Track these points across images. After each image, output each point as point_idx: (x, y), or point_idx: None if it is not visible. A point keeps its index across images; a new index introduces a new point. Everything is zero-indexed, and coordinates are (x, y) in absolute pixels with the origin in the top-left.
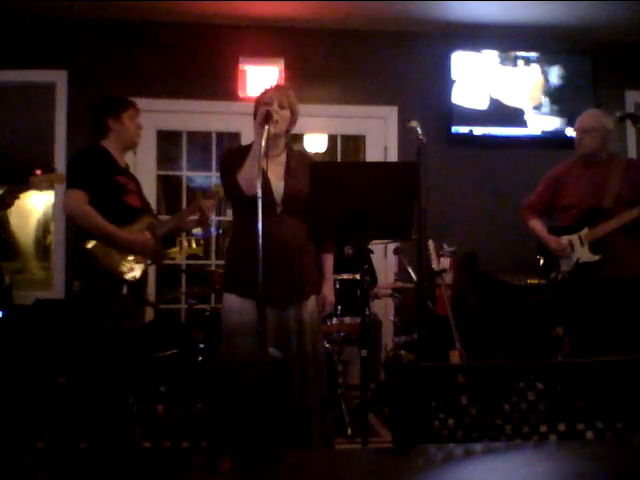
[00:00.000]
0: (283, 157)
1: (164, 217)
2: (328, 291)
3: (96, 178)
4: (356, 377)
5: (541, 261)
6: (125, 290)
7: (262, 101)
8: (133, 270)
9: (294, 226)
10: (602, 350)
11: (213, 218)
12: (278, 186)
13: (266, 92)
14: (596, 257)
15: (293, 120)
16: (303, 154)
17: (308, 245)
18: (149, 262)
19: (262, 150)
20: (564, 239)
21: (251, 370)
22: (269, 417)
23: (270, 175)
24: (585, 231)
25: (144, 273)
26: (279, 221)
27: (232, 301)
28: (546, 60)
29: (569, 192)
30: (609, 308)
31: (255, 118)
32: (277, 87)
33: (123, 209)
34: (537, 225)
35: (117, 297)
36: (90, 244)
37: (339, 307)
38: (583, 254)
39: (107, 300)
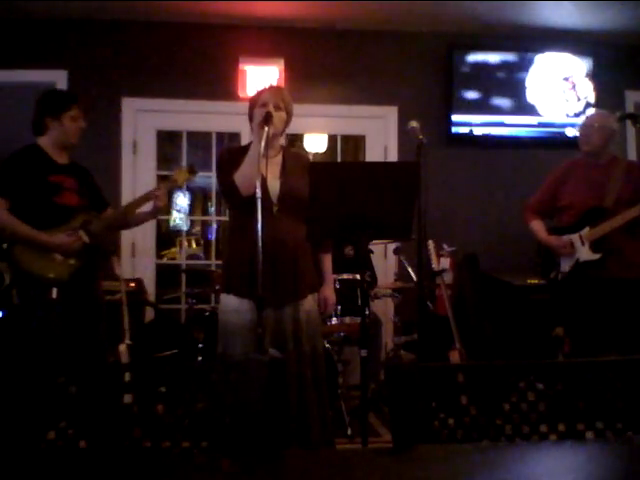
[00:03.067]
0: (279, 157)
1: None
2: (329, 292)
3: (20, 182)
4: (356, 377)
5: (540, 261)
6: (55, 293)
7: (258, 102)
8: (60, 271)
9: (290, 225)
10: (602, 350)
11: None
12: (274, 186)
13: (261, 93)
14: (597, 256)
15: (288, 121)
16: (299, 154)
17: (304, 244)
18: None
19: (261, 152)
20: (565, 238)
21: (250, 370)
22: (269, 417)
23: (267, 175)
24: (586, 230)
25: (79, 273)
26: (275, 221)
27: (229, 301)
28: (547, 59)
29: (569, 192)
30: (609, 308)
31: (250, 119)
32: (273, 88)
33: (54, 209)
34: (537, 226)
35: (45, 301)
36: (12, 248)
37: (339, 307)
38: (584, 253)
39: (33, 305)
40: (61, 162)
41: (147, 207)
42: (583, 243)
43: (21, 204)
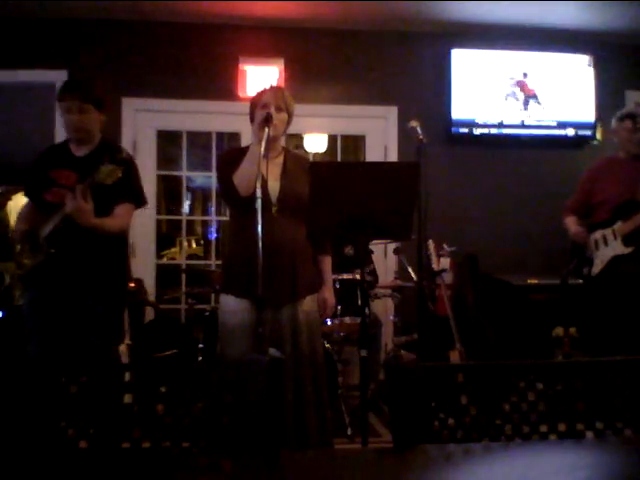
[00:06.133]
0: (280, 159)
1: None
2: (328, 294)
3: (30, 177)
4: (356, 377)
5: (575, 261)
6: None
7: (259, 103)
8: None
9: (289, 227)
10: (629, 344)
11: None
12: (274, 186)
13: (262, 94)
14: (629, 249)
15: (289, 121)
16: (300, 156)
17: (303, 245)
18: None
19: (262, 152)
20: (598, 234)
21: (250, 370)
22: (268, 417)
23: (267, 176)
24: (618, 224)
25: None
26: (274, 221)
27: (228, 301)
28: (547, 60)
29: (603, 188)
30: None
31: (251, 120)
32: (273, 89)
33: (41, 206)
34: (569, 221)
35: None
36: None
37: (339, 307)
38: (616, 247)
39: None
40: (78, 154)
41: None
42: (615, 237)
43: (31, 199)
